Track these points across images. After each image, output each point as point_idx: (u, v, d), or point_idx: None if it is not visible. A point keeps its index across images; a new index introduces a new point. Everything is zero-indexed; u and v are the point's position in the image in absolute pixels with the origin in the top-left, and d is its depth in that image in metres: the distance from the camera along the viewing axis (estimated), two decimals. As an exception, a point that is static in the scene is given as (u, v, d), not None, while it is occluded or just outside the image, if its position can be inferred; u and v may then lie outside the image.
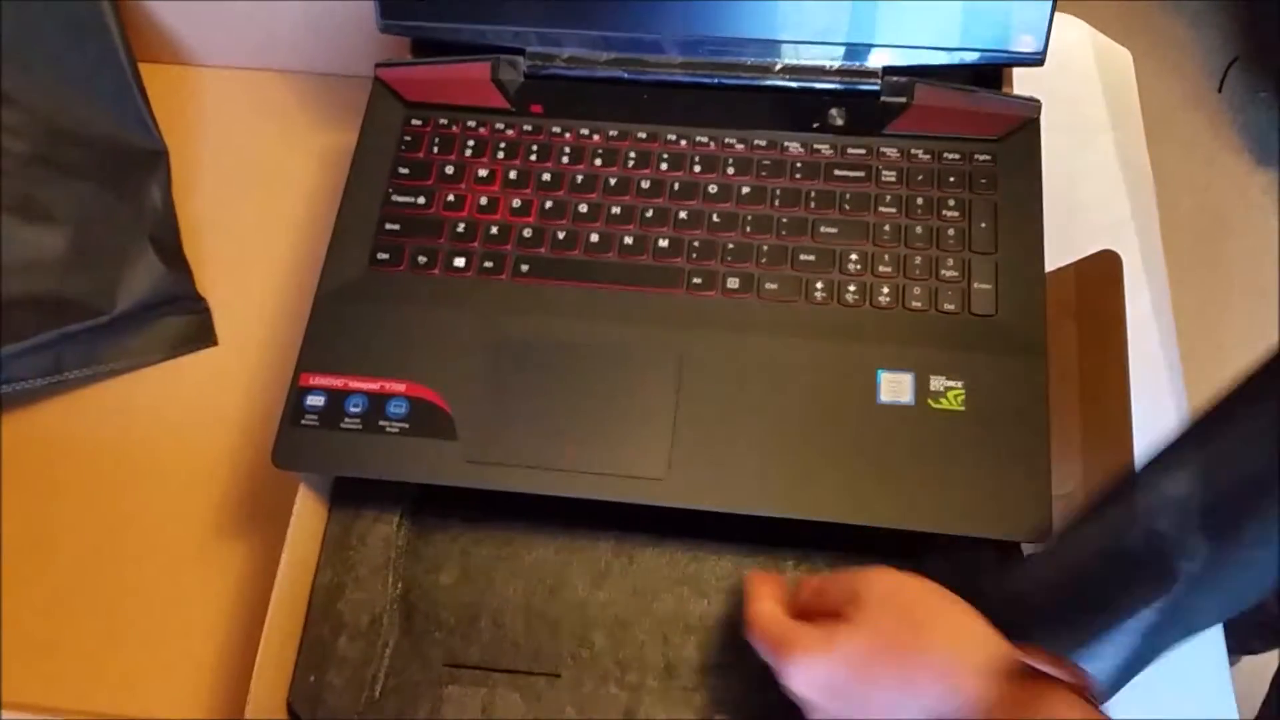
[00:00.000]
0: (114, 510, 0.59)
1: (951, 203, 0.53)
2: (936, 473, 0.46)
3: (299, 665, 0.48)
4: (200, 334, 0.63)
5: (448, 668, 0.48)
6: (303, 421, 0.49)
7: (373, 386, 0.49)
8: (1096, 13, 0.73)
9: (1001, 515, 0.45)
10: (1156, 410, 0.58)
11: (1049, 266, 0.52)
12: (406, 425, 0.48)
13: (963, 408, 0.48)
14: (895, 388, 0.48)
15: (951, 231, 0.52)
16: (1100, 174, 0.66)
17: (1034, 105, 0.55)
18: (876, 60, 0.55)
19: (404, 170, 0.55)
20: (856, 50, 0.55)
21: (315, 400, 0.49)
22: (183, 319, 0.63)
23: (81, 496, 0.59)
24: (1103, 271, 0.53)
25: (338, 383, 0.50)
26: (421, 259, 0.53)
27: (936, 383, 0.48)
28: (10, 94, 0.62)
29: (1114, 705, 0.38)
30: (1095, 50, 0.70)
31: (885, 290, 0.51)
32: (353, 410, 0.49)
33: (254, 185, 0.69)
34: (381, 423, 0.48)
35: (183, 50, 0.72)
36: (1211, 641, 0.51)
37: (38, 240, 0.60)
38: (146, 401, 0.61)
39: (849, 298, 0.51)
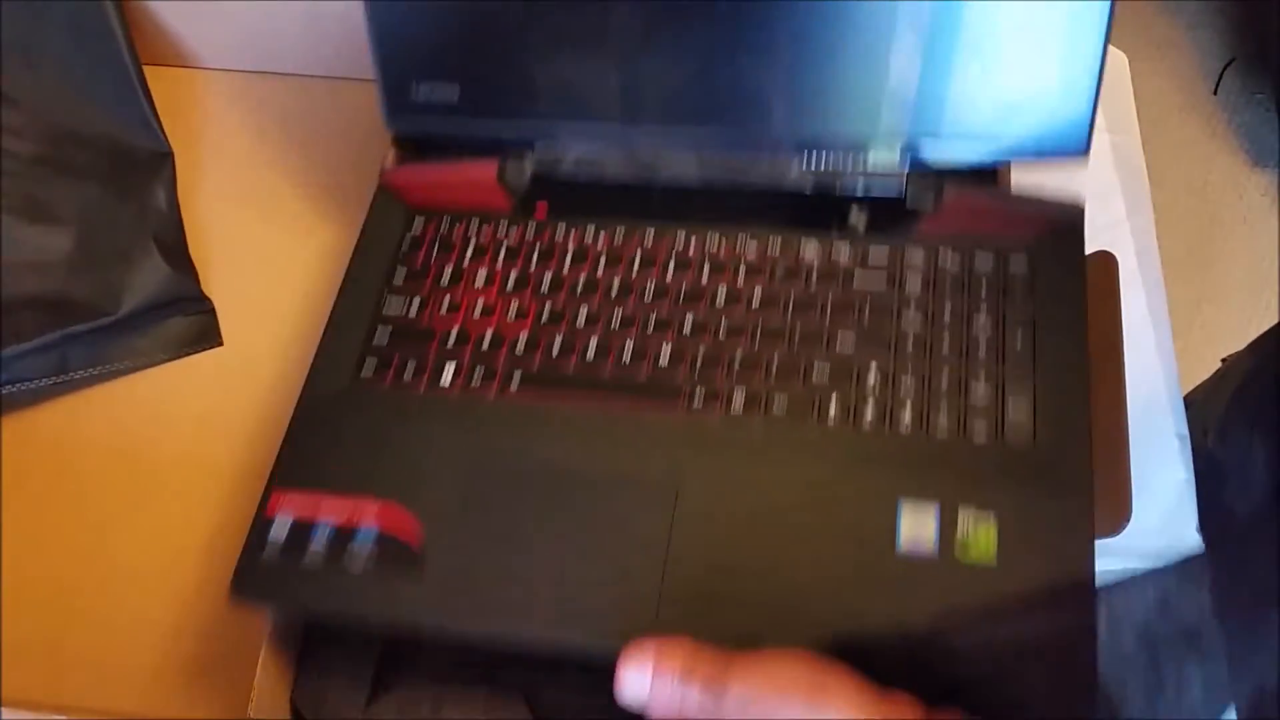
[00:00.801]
0: (116, 509, 0.59)
1: (982, 315, 0.47)
2: (964, 644, 0.39)
3: (303, 664, 0.49)
4: (205, 334, 0.64)
5: (451, 666, 0.49)
6: (263, 553, 0.45)
7: (340, 516, 0.45)
8: (1093, 16, 0.73)
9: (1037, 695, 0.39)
10: (1152, 410, 0.58)
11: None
12: (372, 562, 0.44)
13: (995, 563, 0.40)
14: (917, 530, 0.42)
15: (982, 348, 0.46)
16: (1096, 175, 0.66)
17: (1076, 209, 0.48)
18: (901, 160, 0.50)
19: (399, 280, 0.52)
20: (880, 149, 0.50)
21: (279, 529, 0.45)
22: (188, 320, 0.63)
23: (84, 495, 0.59)
24: (1098, 272, 0.54)
25: (306, 508, 0.46)
26: (408, 373, 0.49)
27: (964, 527, 0.41)
28: (12, 94, 0.62)
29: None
30: (1091, 53, 0.71)
31: (907, 414, 0.45)
32: (316, 543, 0.45)
33: (257, 187, 0.69)
34: (345, 558, 0.44)
35: (186, 53, 0.72)
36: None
37: (42, 241, 0.60)
38: (151, 401, 0.62)
39: (866, 424, 0.45)
